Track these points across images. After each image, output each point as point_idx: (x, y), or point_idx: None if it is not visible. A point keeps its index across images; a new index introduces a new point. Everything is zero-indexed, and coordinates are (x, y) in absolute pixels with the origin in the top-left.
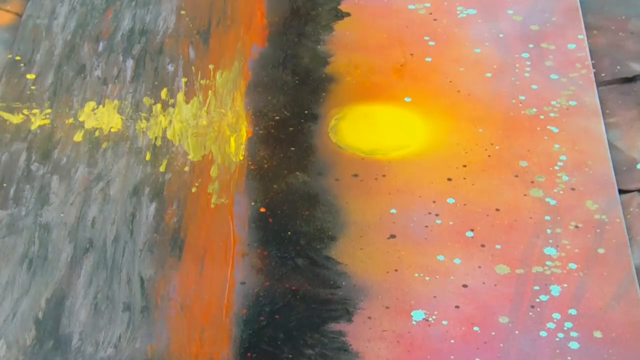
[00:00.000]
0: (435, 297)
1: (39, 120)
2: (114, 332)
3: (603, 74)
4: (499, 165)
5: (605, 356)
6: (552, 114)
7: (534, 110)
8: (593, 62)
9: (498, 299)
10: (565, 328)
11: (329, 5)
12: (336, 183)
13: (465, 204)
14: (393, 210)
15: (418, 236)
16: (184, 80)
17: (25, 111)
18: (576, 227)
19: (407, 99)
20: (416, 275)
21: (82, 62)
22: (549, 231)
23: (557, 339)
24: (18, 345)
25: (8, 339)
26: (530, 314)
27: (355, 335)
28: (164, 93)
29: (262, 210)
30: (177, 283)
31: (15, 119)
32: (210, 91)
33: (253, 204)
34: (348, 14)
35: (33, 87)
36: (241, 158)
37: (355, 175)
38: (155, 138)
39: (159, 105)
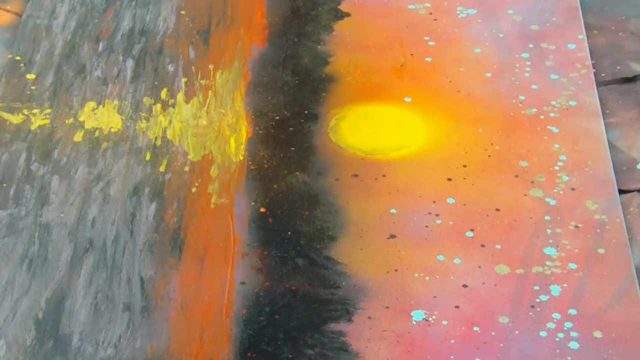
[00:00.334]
0: (435, 297)
1: (39, 120)
2: (114, 332)
3: (603, 74)
4: (499, 165)
5: (605, 356)
6: (552, 114)
7: (534, 110)
8: (593, 62)
9: (498, 299)
10: (565, 328)
11: (329, 5)
12: (336, 183)
13: (465, 204)
14: (393, 210)
15: (418, 236)
16: (184, 80)
17: (25, 111)
18: (576, 227)
19: (407, 99)
20: (416, 275)
21: (82, 62)
22: (549, 231)
23: (557, 339)
24: (18, 345)
25: (8, 339)
26: (530, 314)
27: (355, 335)
28: (164, 93)
29: (262, 210)
30: (177, 283)
31: (15, 119)
32: (210, 91)
33: (253, 204)
34: (348, 14)
35: (33, 87)
36: (241, 158)
37: (355, 175)
38: (155, 138)
39: (159, 105)
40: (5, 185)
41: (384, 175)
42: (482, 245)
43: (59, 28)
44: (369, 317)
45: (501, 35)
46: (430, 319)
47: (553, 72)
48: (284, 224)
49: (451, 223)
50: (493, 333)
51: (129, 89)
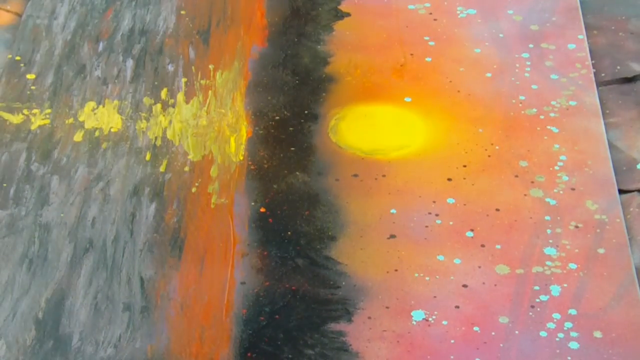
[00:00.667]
0: (435, 297)
1: (39, 120)
2: (114, 332)
3: (603, 74)
4: (499, 165)
5: (605, 356)
6: (552, 114)
7: (534, 110)
8: (593, 62)
9: (498, 299)
10: (565, 328)
11: (329, 5)
12: (336, 183)
13: (465, 204)
14: (393, 210)
15: (418, 236)
16: (184, 80)
17: (25, 111)
18: (576, 227)
19: (407, 99)
20: (416, 275)
21: (82, 62)
22: (549, 231)
23: (557, 339)
24: (18, 345)
25: (8, 339)
26: (530, 314)
27: (355, 335)
28: (164, 93)
29: (262, 210)
30: (177, 283)
31: (15, 119)
32: (210, 91)
33: (253, 204)
34: (348, 14)
35: (33, 87)
36: (241, 158)
37: (355, 175)
38: (155, 138)
39: (159, 105)
40: (5, 185)
41: (384, 175)
42: (482, 245)
43: (59, 28)
44: (369, 317)
45: (501, 35)
46: (430, 319)
47: (553, 72)
48: (284, 224)
49: (451, 223)
50: (493, 333)
51: (129, 89)
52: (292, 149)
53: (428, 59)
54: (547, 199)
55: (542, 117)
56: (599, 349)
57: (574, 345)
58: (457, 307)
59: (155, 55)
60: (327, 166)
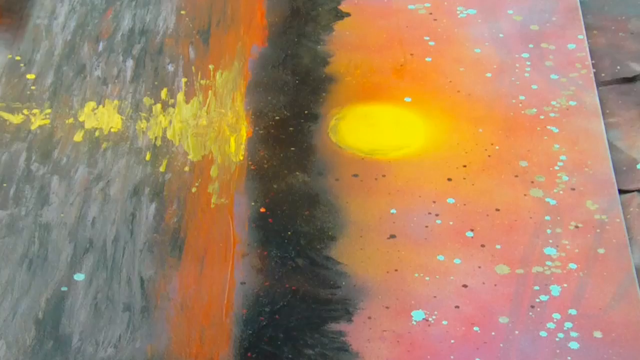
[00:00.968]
0: (435, 297)
1: (39, 120)
2: (114, 332)
3: (603, 74)
4: (499, 165)
5: (605, 356)
6: (552, 114)
7: (534, 110)
8: (593, 62)
9: (498, 299)
10: (565, 328)
11: (329, 5)
12: (336, 183)
13: (465, 204)
14: (393, 210)
15: (418, 236)
16: (184, 80)
17: (25, 111)
18: (576, 227)
19: (407, 99)
20: (416, 275)
21: (82, 62)
22: (549, 231)
23: (557, 339)
24: (18, 345)
25: (8, 339)
26: (530, 314)
27: (355, 335)
28: (164, 93)
29: (262, 210)
30: (177, 283)
31: (15, 119)
32: (210, 91)
33: (253, 204)
34: (348, 14)
35: (33, 87)
36: (241, 158)
37: (355, 175)
38: (155, 138)
39: (159, 105)
40: (5, 185)
41: (384, 175)
42: (482, 245)
43: (59, 28)
44: (369, 317)
45: (501, 35)
46: (430, 319)
47: (553, 72)
48: (284, 224)
49: (451, 223)
50: (493, 333)
51: (129, 89)
52: (292, 149)
53: (428, 59)
54: (547, 199)
55: (542, 117)
56: (599, 349)
57: (574, 345)
58: (457, 307)
59: (155, 55)
60: (327, 166)
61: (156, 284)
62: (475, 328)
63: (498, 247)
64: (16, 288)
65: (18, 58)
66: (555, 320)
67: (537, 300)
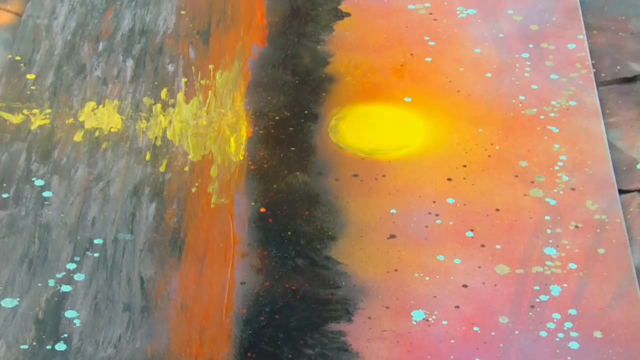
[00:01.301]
0: (435, 297)
1: (39, 120)
2: (114, 332)
3: (603, 74)
4: (499, 165)
5: (605, 356)
6: (552, 114)
7: (534, 110)
8: (593, 62)
9: (498, 299)
10: (565, 328)
11: (329, 5)
12: (336, 183)
13: (465, 204)
14: (393, 210)
15: (418, 236)
16: (184, 80)
17: (25, 111)
18: (576, 227)
19: (407, 99)
20: (416, 275)
21: (82, 62)
22: (549, 231)
23: (557, 339)
24: (18, 345)
25: (8, 339)
26: (530, 314)
27: (355, 335)
28: (164, 93)
29: (262, 210)
30: (177, 283)
31: (15, 119)
32: (210, 91)
33: (253, 204)
34: (348, 14)
35: (33, 87)
36: (241, 158)
37: (355, 175)
38: (155, 138)
39: (159, 105)
40: (5, 185)
41: (384, 175)
42: (482, 245)
43: (59, 28)
44: (369, 317)
45: (501, 35)
46: (430, 319)
47: (553, 72)
48: (284, 224)
49: (451, 223)
50: (493, 333)
51: (129, 89)
52: (292, 149)
53: (428, 59)
54: (547, 199)
55: (542, 117)
56: (599, 349)
57: (574, 345)
58: (457, 307)
59: (155, 55)
60: (327, 166)
61: (156, 284)
62: (475, 328)
63: (498, 247)
64: (16, 288)
65: (18, 58)
66: (555, 320)
67: (537, 300)
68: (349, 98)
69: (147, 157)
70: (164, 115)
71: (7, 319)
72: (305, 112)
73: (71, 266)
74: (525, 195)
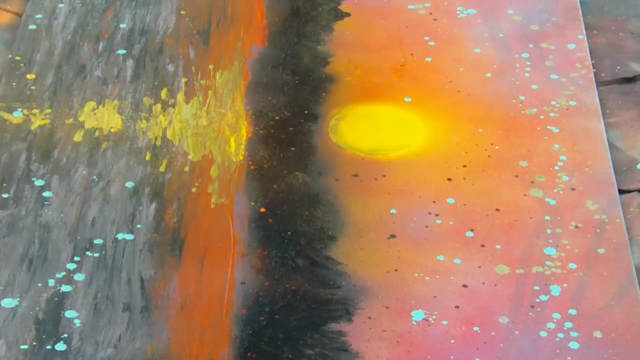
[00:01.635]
0: (435, 297)
1: (39, 120)
2: (114, 332)
3: (603, 74)
4: (499, 165)
5: (605, 356)
6: (552, 114)
7: (534, 110)
8: (593, 62)
9: (498, 299)
10: (565, 328)
11: (329, 5)
12: (336, 183)
13: (465, 204)
14: (393, 210)
15: (418, 236)
16: (184, 80)
17: (25, 111)
18: (576, 227)
19: (407, 99)
20: (416, 275)
21: (82, 62)
22: (549, 231)
23: (557, 339)
24: (18, 345)
25: (8, 339)
26: (530, 314)
27: (355, 335)
28: (164, 93)
29: (262, 210)
30: (177, 283)
31: (15, 119)
32: (210, 91)
33: (253, 204)
34: (348, 14)
35: (33, 87)
36: (241, 158)
37: (355, 175)
38: (155, 138)
39: (159, 105)
40: (5, 185)
41: (384, 175)
42: (482, 245)
43: (59, 28)
44: (369, 317)
45: (501, 35)
46: (430, 319)
47: (553, 72)
48: (284, 224)
49: (451, 223)
50: (493, 333)
51: (129, 89)
52: (292, 149)
53: (428, 59)
54: (547, 199)
55: (542, 117)
56: (599, 349)
57: (574, 345)
58: (457, 307)
59: (155, 55)
60: (327, 166)
61: (156, 284)
62: (475, 328)
63: (498, 247)
64: (16, 288)
65: (18, 58)
66: (555, 320)
67: (537, 300)
68: (349, 98)
69: (147, 157)
70: (164, 115)
71: (7, 319)
72: (305, 112)
73: (71, 266)
74: (525, 195)
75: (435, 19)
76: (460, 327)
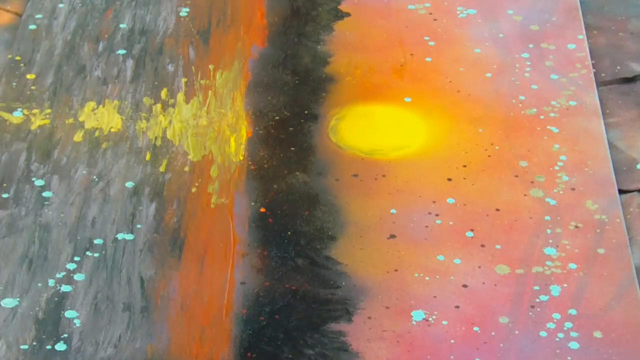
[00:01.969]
0: (435, 297)
1: (39, 120)
2: (114, 332)
3: (603, 74)
4: (499, 165)
5: (605, 356)
6: (552, 114)
7: (534, 110)
8: (593, 62)
9: (498, 299)
10: (565, 328)
11: (329, 5)
12: (336, 183)
13: (465, 204)
14: (393, 210)
15: (418, 236)
16: (184, 80)
17: (25, 111)
18: (576, 227)
19: (407, 99)
20: (416, 275)
21: (82, 62)
22: (549, 231)
23: (557, 339)
24: (18, 345)
25: (8, 339)
26: (530, 314)
27: (355, 335)
28: (164, 93)
29: (262, 210)
30: (177, 283)
31: (15, 119)
32: (210, 91)
33: (253, 204)
34: (348, 14)
35: (33, 87)
36: (241, 158)
37: (355, 175)
38: (155, 138)
39: (159, 105)
40: (5, 185)
41: (384, 175)
42: (482, 245)
43: (59, 28)
44: (369, 317)
45: (501, 35)
46: (430, 319)
47: (553, 72)
48: (284, 224)
49: (451, 223)
50: (493, 333)
51: (129, 89)
52: (292, 149)
53: (428, 59)
54: (547, 199)
55: (542, 117)
56: (599, 349)
57: (574, 345)
58: (457, 307)
59: (155, 55)
60: (327, 166)
61: (156, 284)
62: (475, 328)
63: (498, 247)
64: (16, 288)
65: (18, 58)
66: (555, 320)
67: (537, 300)
68: (349, 98)
69: (147, 157)
70: (164, 115)
71: (7, 319)
72: (305, 112)
73: (71, 266)
74: (525, 195)
75: (435, 19)
76: (460, 327)
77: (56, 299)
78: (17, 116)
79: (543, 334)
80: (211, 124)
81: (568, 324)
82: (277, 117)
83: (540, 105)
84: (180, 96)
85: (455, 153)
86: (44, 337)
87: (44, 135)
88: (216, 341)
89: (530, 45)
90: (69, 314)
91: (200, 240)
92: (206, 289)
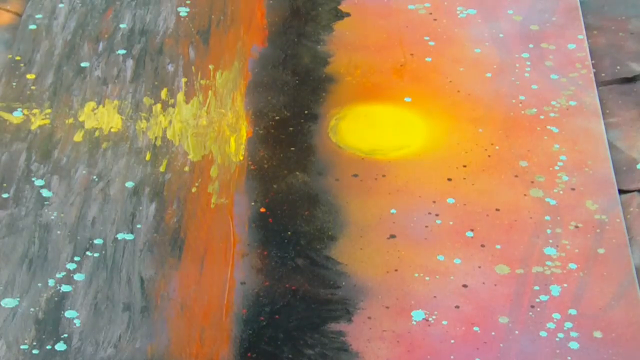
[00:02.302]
0: (435, 297)
1: (39, 120)
2: (114, 332)
3: (603, 74)
4: (499, 165)
5: (605, 356)
6: (552, 114)
7: (534, 110)
8: (593, 62)
9: (498, 299)
10: (565, 328)
11: (329, 5)
12: (336, 183)
13: (465, 204)
14: (393, 210)
15: (418, 236)
16: (184, 80)
17: (25, 111)
18: (576, 227)
19: (407, 99)
20: (416, 275)
21: (82, 62)
22: (549, 231)
23: (557, 339)
24: (18, 345)
25: (8, 339)
26: (530, 314)
27: (355, 335)
28: (164, 93)
29: (262, 210)
30: (177, 283)
31: (15, 119)
32: (210, 91)
33: (253, 204)
34: (348, 14)
35: (33, 87)
36: (241, 158)
37: (355, 175)
38: (155, 138)
39: (159, 105)
40: (5, 185)
41: (384, 175)
42: (482, 245)
43: (59, 28)
44: (369, 317)
45: (501, 35)
46: (430, 319)
47: (553, 72)
48: (284, 224)
49: (451, 223)
50: (493, 333)
51: (129, 89)
52: (292, 149)
53: (428, 59)
54: (547, 199)
55: (542, 117)
56: (599, 349)
57: (574, 345)
58: (457, 307)
59: (155, 55)
60: (327, 166)
61: (156, 284)
62: (475, 328)
63: (498, 247)
64: (16, 288)
65: (18, 58)
66: (555, 320)
67: (537, 300)
68: (349, 98)
69: (147, 157)
70: (164, 115)
71: (7, 319)
72: (305, 112)
73: (71, 266)
74: (525, 195)
75: (435, 19)
76: (460, 327)
77: (56, 299)
78: (17, 116)
79: (543, 334)
80: (211, 124)
81: (568, 324)
82: (277, 117)
83: (540, 105)
84: (180, 96)
85: (455, 153)
86: (44, 337)
87: (44, 135)
88: (216, 341)
89: (530, 45)
90: (69, 314)
91: (200, 240)
92: (206, 289)
